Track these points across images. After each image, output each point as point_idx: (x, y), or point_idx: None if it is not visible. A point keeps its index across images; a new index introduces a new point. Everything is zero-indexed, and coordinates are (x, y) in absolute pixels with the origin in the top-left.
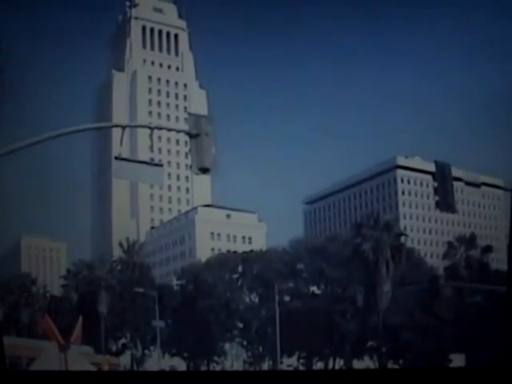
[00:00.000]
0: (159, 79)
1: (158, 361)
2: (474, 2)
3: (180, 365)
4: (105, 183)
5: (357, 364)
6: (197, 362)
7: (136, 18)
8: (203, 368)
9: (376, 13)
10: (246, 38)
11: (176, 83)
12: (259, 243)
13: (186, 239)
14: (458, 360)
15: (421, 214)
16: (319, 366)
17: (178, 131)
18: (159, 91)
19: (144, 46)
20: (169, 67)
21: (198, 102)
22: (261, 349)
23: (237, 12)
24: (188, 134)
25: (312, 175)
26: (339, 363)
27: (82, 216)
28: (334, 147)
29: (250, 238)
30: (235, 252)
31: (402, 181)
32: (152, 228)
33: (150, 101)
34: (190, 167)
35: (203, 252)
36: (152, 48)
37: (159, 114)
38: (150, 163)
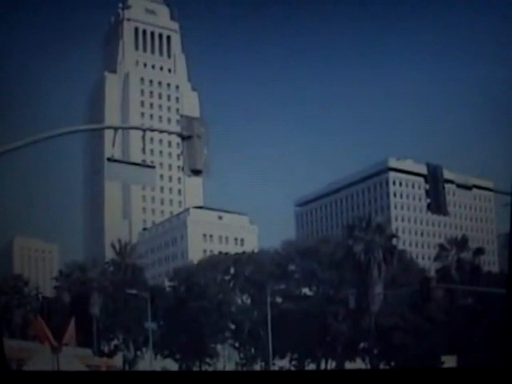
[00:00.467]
0: (151, 81)
1: (150, 362)
2: (474, 2)
3: (172, 366)
4: (97, 184)
5: (349, 365)
6: (189, 364)
7: (128, 20)
8: (195, 369)
9: (369, 12)
10: (239, 40)
11: (168, 85)
12: (251, 245)
13: (178, 241)
14: (449, 361)
15: (412, 216)
16: (311, 367)
17: (170, 133)
18: (151, 93)
19: (136, 48)
20: (161, 69)
21: (190, 104)
22: (253, 350)
23: (229, 14)
24: (180, 135)
25: (304, 177)
26: (331, 365)
27: (75, 217)
28: (325, 149)
29: (242, 240)
30: (227, 254)
31: (394, 183)
32: (144, 229)
33: (142, 102)
34: (182, 169)
35: (195, 253)
36: (144, 50)
37: (151, 116)
38: (143, 165)
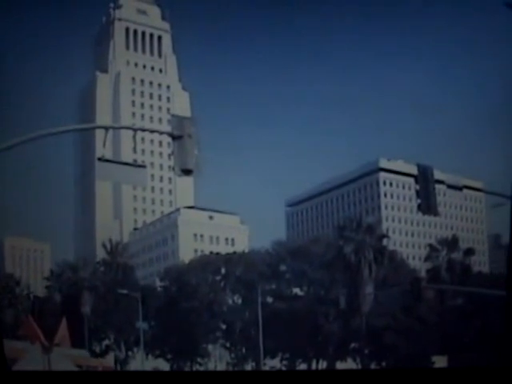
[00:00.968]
0: (142, 81)
1: (141, 362)
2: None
3: (163, 366)
4: (88, 184)
5: (340, 365)
6: (180, 364)
7: (120, 20)
8: (186, 369)
9: (362, 11)
10: (229, 40)
11: (159, 85)
12: (242, 245)
13: (169, 240)
14: (440, 362)
15: (403, 217)
16: (302, 367)
17: (161, 133)
18: (142, 93)
19: (127, 48)
20: (152, 69)
21: (181, 104)
22: (244, 350)
23: (220, 14)
24: (171, 135)
25: (295, 177)
26: (322, 364)
27: (66, 217)
28: (316, 149)
29: (232, 240)
30: (218, 254)
31: (385, 183)
32: (135, 229)
33: (133, 102)
34: (173, 169)
35: (186, 253)
36: (135, 49)
37: (142, 116)
38: (134, 164)
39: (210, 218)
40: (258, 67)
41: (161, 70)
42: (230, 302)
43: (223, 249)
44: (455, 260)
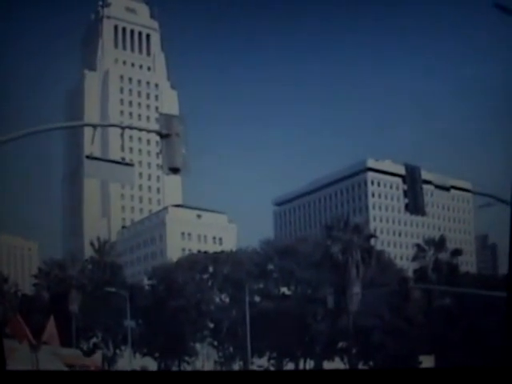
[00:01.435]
0: (131, 79)
1: (129, 361)
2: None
3: (151, 364)
4: (76, 182)
5: (327, 365)
6: (168, 362)
7: (108, 18)
8: (174, 368)
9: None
10: (218, 39)
11: (147, 83)
12: (230, 244)
13: (156, 239)
14: (427, 361)
15: (391, 217)
16: (290, 366)
17: (149, 131)
18: (131, 91)
19: (116, 46)
20: (140, 67)
21: (170, 102)
22: (231, 349)
23: (209, 12)
24: (159, 133)
25: (283, 176)
26: (310, 364)
27: (54, 215)
28: (304, 148)
29: (220, 239)
30: (206, 252)
31: (373, 183)
32: (123, 228)
33: (121, 100)
34: (161, 167)
35: (174, 252)
36: (124, 48)
37: (130, 114)
38: (122, 163)
39: (198, 216)
40: (247, 65)
41: (149, 69)
42: (218, 300)
43: (211, 247)
44: (442, 260)
